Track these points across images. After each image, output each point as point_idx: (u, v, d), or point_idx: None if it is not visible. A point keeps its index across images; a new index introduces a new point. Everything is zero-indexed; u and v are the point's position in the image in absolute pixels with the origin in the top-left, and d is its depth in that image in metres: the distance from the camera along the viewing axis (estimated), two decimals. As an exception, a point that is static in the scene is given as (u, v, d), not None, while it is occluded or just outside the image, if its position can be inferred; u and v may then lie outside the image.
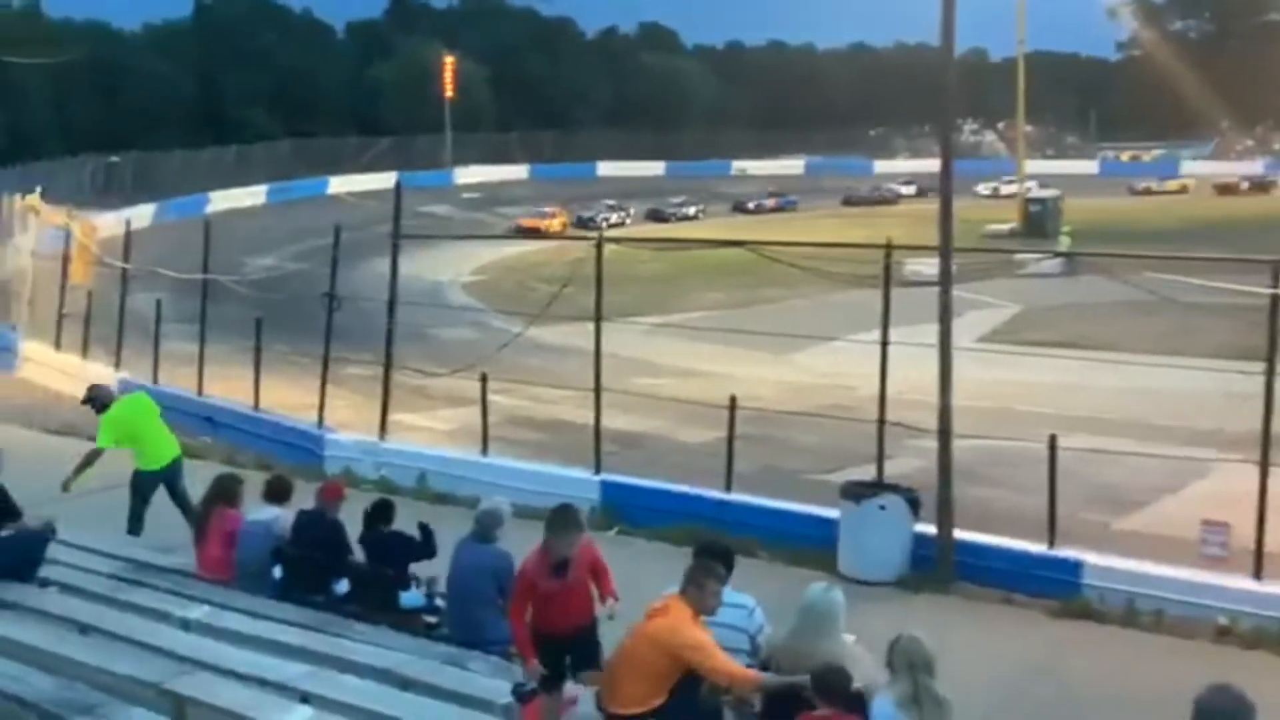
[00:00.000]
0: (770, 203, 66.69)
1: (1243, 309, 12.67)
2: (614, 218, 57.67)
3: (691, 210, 64.22)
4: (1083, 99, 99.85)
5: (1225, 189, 67.75)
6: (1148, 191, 69.57)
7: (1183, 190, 69.49)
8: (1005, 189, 62.75)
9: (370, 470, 15.00)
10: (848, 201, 67.31)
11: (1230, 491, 11.92)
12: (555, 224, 46.84)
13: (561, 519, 7.14)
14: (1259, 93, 77.71)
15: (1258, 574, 10.65)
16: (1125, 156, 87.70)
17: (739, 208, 65.70)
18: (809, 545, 11.68)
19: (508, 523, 7.85)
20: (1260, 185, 68.87)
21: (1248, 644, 9.86)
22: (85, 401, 11.56)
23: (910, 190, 68.29)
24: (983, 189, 64.43)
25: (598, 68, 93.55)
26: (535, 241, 46.29)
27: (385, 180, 50.31)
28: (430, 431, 18.96)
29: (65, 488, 10.51)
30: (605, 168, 79.63)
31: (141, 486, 11.22)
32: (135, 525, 11.15)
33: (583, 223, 54.34)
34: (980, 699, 6.94)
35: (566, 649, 7.11)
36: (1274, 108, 79.03)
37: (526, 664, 6.88)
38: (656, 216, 61.82)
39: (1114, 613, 10.34)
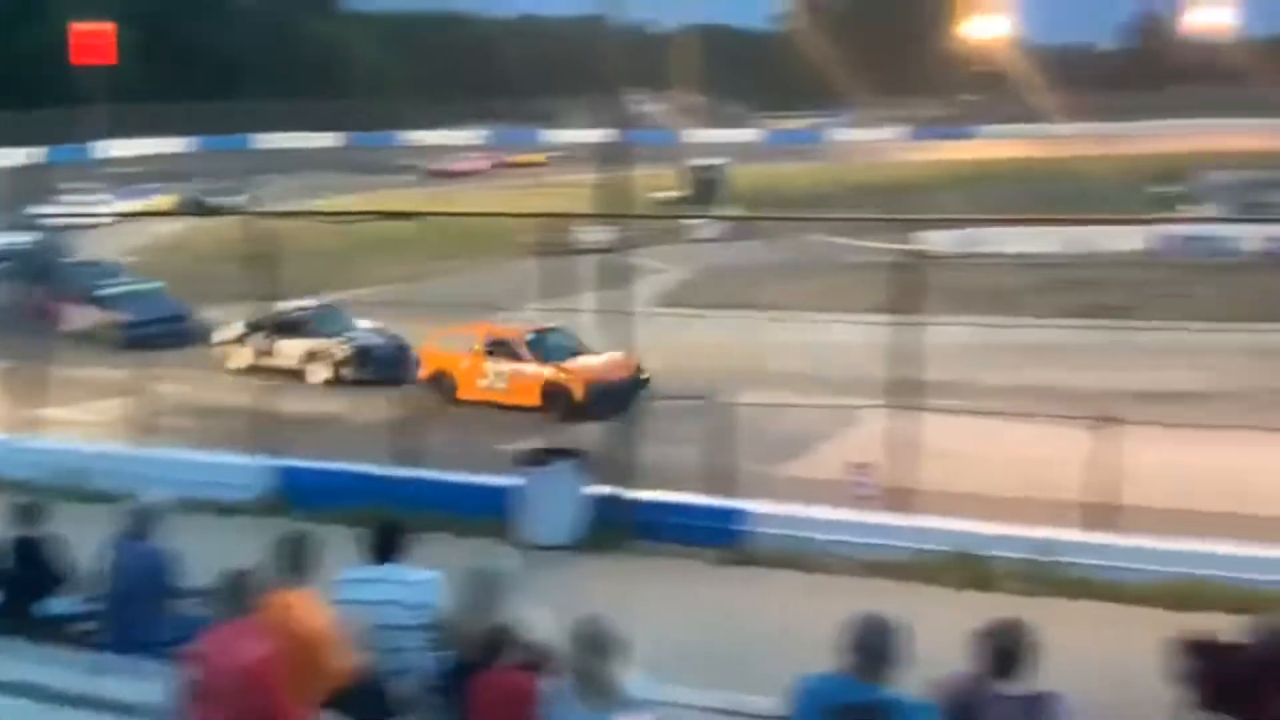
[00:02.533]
0: None
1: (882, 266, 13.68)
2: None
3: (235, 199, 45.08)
4: (744, 71, 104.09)
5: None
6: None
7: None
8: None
9: (16, 470, 13.80)
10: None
11: (891, 434, 12.50)
12: None
13: None
14: (896, 64, 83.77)
15: (902, 510, 11.56)
16: (786, 126, 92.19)
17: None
18: (488, 515, 11.72)
19: (167, 517, 7.46)
20: None
21: (899, 576, 10.64)
22: None
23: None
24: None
25: (257, 34, 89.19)
26: (182, 219, 43.70)
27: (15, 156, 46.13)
28: (84, 425, 17.66)
29: None
30: (270, 139, 76.57)
31: None
32: None
33: None
34: (655, 650, 7.14)
35: None
36: (910, 78, 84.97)
37: None
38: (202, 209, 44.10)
39: (777, 555, 10.95)
